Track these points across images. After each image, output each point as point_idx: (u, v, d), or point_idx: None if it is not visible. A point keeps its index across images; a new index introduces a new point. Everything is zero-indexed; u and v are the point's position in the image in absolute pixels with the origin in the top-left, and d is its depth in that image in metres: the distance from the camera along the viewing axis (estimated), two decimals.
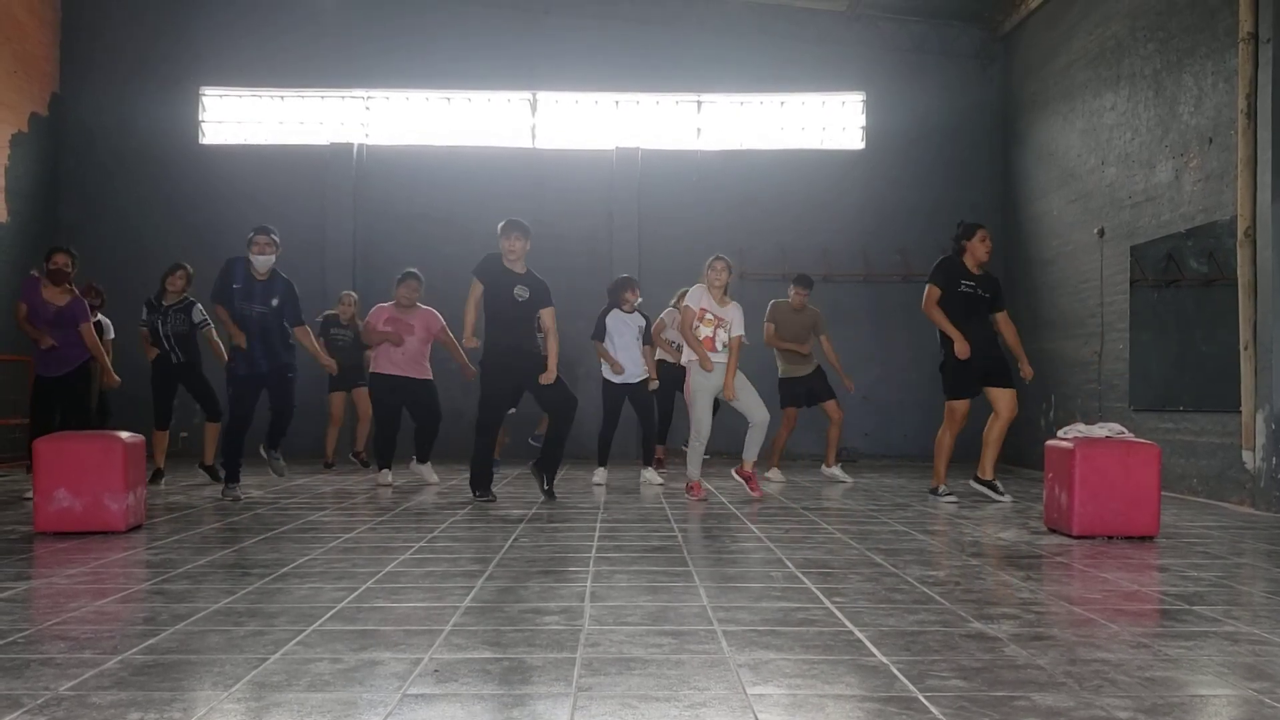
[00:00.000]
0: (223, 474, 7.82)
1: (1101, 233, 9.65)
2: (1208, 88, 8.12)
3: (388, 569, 4.60)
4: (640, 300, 9.02)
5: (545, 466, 7.59)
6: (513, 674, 2.90)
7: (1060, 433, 6.23)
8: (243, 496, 7.61)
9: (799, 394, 9.42)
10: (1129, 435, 6.12)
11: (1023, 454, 11.49)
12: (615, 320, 8.92)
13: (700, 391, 7.51)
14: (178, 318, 8.87)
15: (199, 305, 8.93)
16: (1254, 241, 7.37)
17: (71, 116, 12.57)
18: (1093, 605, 3.92)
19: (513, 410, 8.27)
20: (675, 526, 6.11)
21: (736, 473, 7.81)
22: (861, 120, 12.89)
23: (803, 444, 11.71)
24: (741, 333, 7.56)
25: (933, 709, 2.59)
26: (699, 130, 13.01)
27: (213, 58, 12.71)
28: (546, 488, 7.57)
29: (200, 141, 12.81)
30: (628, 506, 7.22)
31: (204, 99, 12.88)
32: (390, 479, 8.74)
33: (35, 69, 12.06)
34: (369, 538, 5.62)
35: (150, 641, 3.26)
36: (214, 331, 8.96)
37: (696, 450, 7.65)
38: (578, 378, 12.18)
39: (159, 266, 9.27)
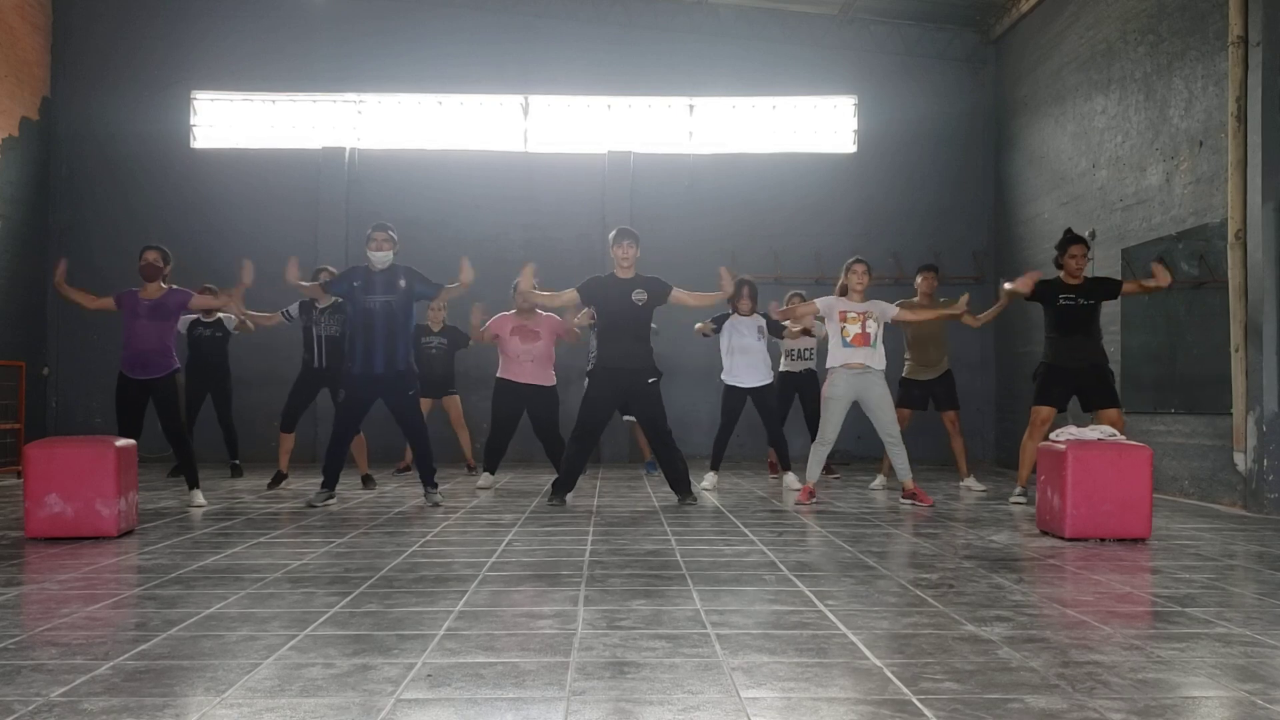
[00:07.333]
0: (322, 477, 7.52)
1: (1093, 235, 9.66)
2: (1198, 91, 8.15)
3: (381, 573, 4.59)
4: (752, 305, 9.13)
5: (676, 485, 7.64)
6: (506, 678, 2.90)
7: (1052, 435, 6.24)
8: (333, 505, 7.45)
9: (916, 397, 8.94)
10: (1121, 437, 6.14)
11: (1015, 457, 11.50)
12: (733, 323, 9.04)
13: (834, 400, 7.56)
14: (331, 320, 8.76)
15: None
16: (1244, 244, 7.40)
17: (63, 121, 12.54)
18: (1085, 607, 3.93)
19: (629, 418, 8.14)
20: (669, 530, 6.11)
21: (903, 498, 7.65)
22: (853, 123, 12.90)
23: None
24: (895, 311, 7.74)
25: (926, 712, 2.59)
26: (691, 133, 13.01)
27: (204, 61, 12.68)
28: (688, 500, 7.58)
29: (192, 145, 12.78)
30: (620, 510, 7.22)
31: (195, 103, 12.85)
32: (491, 482, 8.88)
33: (26, 73, 12.02)
34: (362, 542, 5.61)
35: (142, 647, 3.25)
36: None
37: (819, 455, 7.69)
38: (573, 382, 12.19)
39: None
